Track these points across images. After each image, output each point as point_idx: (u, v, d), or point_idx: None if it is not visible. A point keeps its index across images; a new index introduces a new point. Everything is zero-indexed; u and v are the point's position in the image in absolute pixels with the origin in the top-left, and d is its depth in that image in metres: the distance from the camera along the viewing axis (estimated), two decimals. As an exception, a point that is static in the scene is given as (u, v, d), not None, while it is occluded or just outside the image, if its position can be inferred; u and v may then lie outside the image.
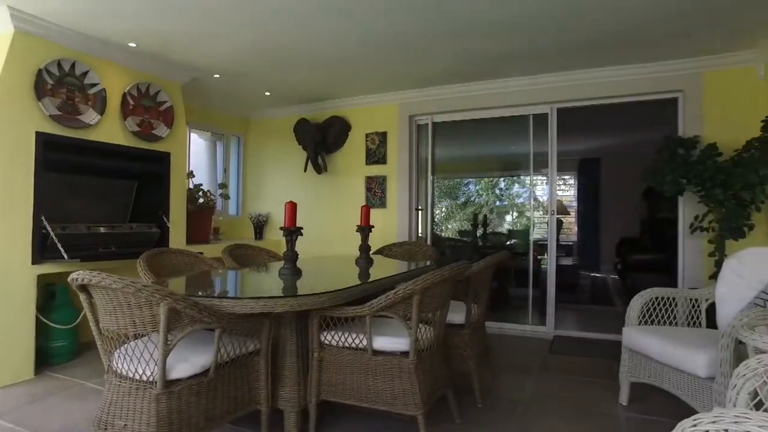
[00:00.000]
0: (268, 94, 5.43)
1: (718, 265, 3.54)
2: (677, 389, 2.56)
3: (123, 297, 1.83)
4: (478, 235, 6.95)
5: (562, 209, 8.95)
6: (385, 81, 4.94)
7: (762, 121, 3.59)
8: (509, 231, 8.20)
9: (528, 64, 4.35)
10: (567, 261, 7.03)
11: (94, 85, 3.81)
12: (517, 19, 3.39)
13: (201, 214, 5.15)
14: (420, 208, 5.42)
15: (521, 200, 9.16)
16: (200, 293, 2.45)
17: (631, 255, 5.93)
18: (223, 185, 5.94)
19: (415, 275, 2.33)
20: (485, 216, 7.52)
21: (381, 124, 5.44)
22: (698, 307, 3.02)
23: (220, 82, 4.91)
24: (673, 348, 2.53)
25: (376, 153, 5.45)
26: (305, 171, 5.72)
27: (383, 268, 3.47)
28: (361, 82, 4.97)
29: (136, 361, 1.90)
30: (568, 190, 9.96)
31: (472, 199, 9.53)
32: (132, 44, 3.89)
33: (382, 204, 5.39)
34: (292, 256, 2.88)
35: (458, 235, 7.97)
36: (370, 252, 3.78)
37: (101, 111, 3.85)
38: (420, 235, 5.44)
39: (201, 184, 5.28)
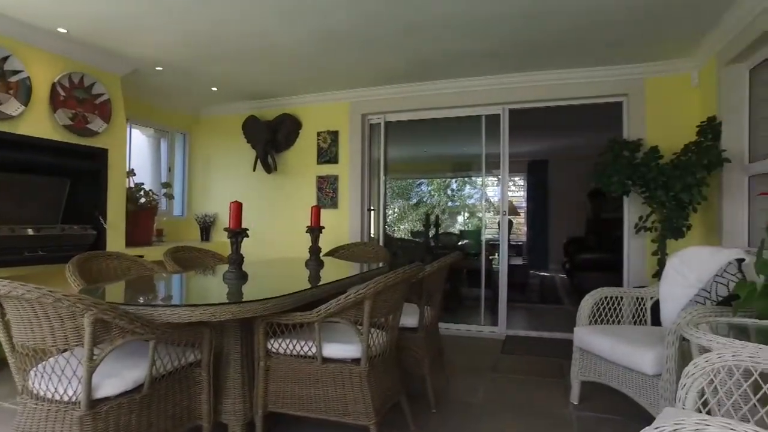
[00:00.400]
0: (215, 89, 5.18)
1: (661, 263, 3.65)
2: (626, 387, 2.58)
3: (40, 308, 1.63)
4: (430, 235, 6.94)
5: (512, 210, 9.12)
6: (337, 79, 4.81)
7: (697, 126, 3.73)
8: (461, 231, 8.26)
9: (481, 65, 4.35)
10: (517, 261, 7.14)
11: (17, 72, 3.48)
12: (470, 19, 3.36)
13: (142, 215, 4.85)
14: (372, 208, 5.32)
15: (472, 201, 9.28)
16: (140, 300, 2.26)
17: (579, 254, 6.09)
18: (167, 184, 5.63)
19: (367, 278, 2.23)
20: (437, 216, 7.52)
21: (333, 123, 5.31)
22: (643, 305, 3.09)
23: (164, 75, 4.63)
24: (622, 347, 2.56)
25: (327, 152, 5.32)
26: (254, 170, 5.51)
27: (334, 271, 3.35)
28: (312, 79, 4.83)
29: (56, 380, 1.70)
30: (517, 191, 10.17)
31: (424, 199, 9.55)
32: (62, 29, 3.58)
33: (334, 204, 5.26)
34: (237, 259, 2.71)
35: (410, 236, 7.95)
36: (321, 254, 3.65)
37: (25, 101, 3.52)
38: (372, 235, 5.35)
39: (142, 183, 4.98)
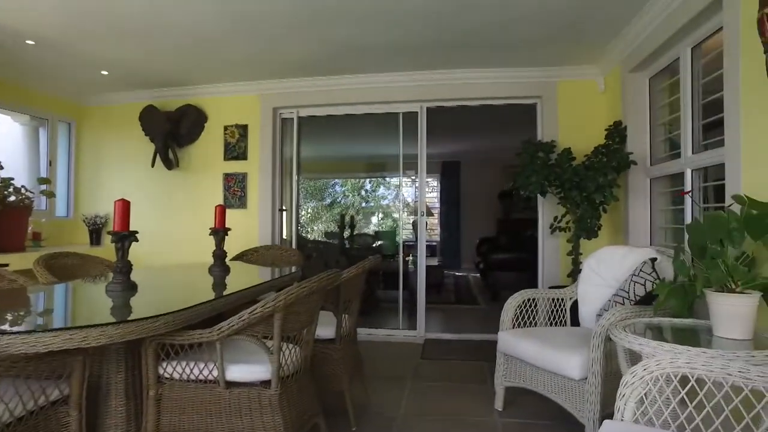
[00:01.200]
0: (105, 73, 4.54)
1: (575, 263, 3.68)
2: (551, 392, 2.50)
3: None
4: (345, 236, 6.69)
5: (426, 210, 9.15)
6: (247, 68, 4.41)
7: (606, 130, 3.82)
8: (376, 232, 8.10)
9: (398, 60, 4.17)
10: (432, 261, 7.10)
11: None
12: (384, 11, 3.15)
13: (11, 215, 4.12)
14: (284, 208, 4.96)
15: (387, 202, 9.17)
16: None
17: (492, 254, 6.16)
18: (46, 180, 4.85)
19: (279, 285, 1.93)
20: (352, 217, 7.30)
21: (242, 116, 4.87)
22: (562, 305, 3.05)
23: (38, 51, 3.94)
24: (548, 352, 2.46)
25: (235, 147, 4.87)
26: (153, 166, 4.91)
27: (241, 277, 2.99)
28: (219, 67, 4.37)
29: None
30: (431, 192, 10.24)
31: (338, 200, 9.29)
32: None
33: (242, 204, 4.83)
34: (123, 267, 2.28)
35: (324, 237, 7.65)
36: (227, 258, 3.26)
37: None
38: (284, 237, 4.99)
39: (12, 178, 4.22)
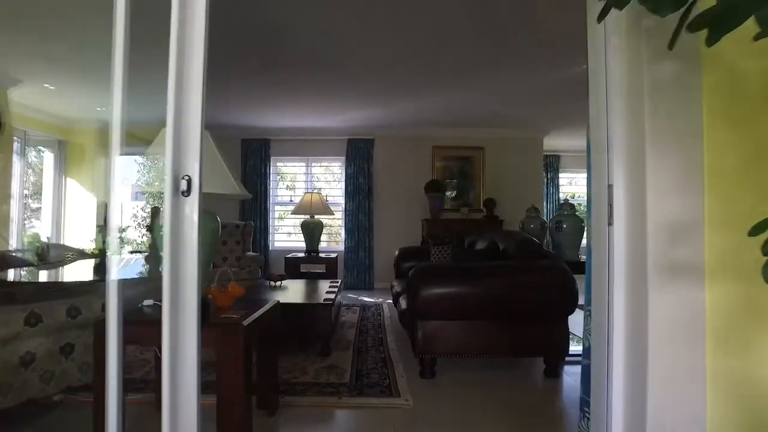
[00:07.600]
0: None
1: None
2: None
3: None
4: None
5: (322, 208, 5.78)
6: None
7: None
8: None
9: None
10: (317, 292, 3.75)
11: None
12: None
13: None
14: None
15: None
16: None
17: (425, 286, 2.80)
18: None
19: None
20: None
21: None
22: None
23: None
24: None
25: None
26: None
27: None
28: None
29: None
30: (334, 181, 6.89)
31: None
32: None
33: None
34: None
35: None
36: None
37: None
38: None
39: None
